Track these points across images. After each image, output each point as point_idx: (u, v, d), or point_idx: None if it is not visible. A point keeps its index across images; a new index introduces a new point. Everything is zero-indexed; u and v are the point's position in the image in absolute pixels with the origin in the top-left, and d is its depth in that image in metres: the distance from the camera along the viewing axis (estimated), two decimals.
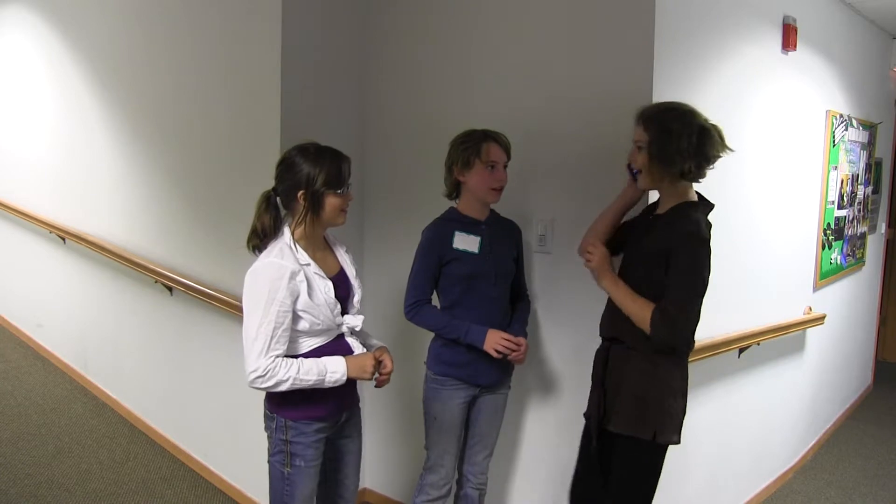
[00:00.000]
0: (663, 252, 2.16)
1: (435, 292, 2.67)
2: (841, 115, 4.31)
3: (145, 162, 4.13)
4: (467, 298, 2.59)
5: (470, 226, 2.61)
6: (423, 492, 2.69)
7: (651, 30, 2.54)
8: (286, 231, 2.24)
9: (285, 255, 2.17)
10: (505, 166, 2.58)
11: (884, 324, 6.30)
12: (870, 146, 4.91)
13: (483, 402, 2.68)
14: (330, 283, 2.24)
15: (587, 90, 2.73)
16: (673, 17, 2.64)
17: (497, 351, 2.52)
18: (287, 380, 2.11)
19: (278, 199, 2.26)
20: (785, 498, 3.84)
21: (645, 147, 2.20)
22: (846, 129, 4.40)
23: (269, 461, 2.29)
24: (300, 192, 2.19)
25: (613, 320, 2.34)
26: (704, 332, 3.05)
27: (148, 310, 4.23)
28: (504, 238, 2.68)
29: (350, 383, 2.29)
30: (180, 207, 3.88)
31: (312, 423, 2.24)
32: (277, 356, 2.12)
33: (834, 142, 4.23)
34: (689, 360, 2.81)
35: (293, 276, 2.14)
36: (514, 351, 2.55)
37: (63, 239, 4.93)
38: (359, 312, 2.37)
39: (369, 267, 3.45)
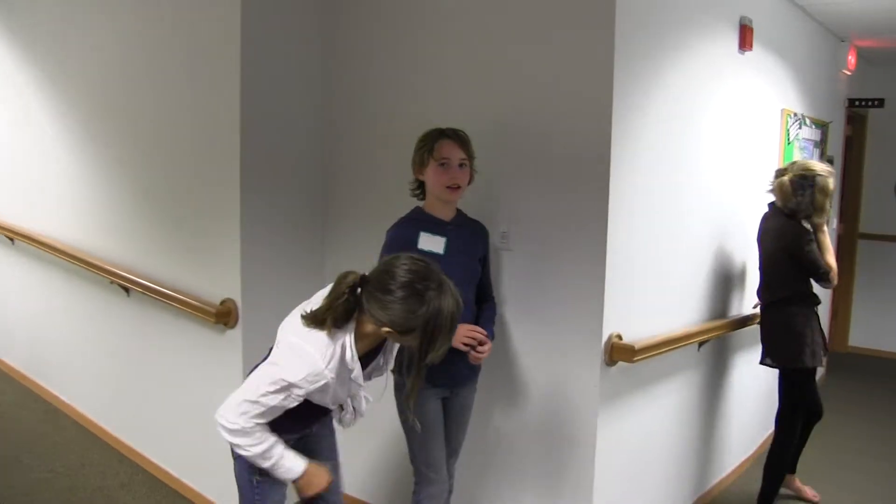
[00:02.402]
0: None
1: None
2: (795, 114, 4.40)
3: (98, 159, 4.03)
4: None
5: (435, 226, 2.55)
6: None
7: (612, 29, 2.55)
8: (351, 328, 2.01)
9: (333, 359, 1.96)
10: (463, 164, 2.52)
11: (835, 316, 6.45)
12: (822, 144, 5.02)
13: (451, 403, 2.65)
14: (361, 388, 2.11)
15: (549, 87, 2.74)
16: (633, 17, 2.66)
17: (465, 344, 2.46)
18: (247, 453, 2.01)
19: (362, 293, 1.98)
20: (743, 486, 3.91)
21: None
22: (800, 128, 4.49)
23: (235, 469, 2.19)
24: (389, 330, 1.95)
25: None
26: (665, 327, 3.10)
27: (103, 311, 4.13)
28: (470, 239, 2.64)
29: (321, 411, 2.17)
30: (136, 206, 3.80)
31: (281, 435, 2.13)
32: (259, 424, 2.00)
33: (789, 139, 4.32)
34: (651, 354, 2.87)
35: (325, 385, 1.98)
36: (480, 343, 2.49)
37: (11, 240, 4.79)
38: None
39: (331, 268, 3.42)
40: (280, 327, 2.10)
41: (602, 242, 2.65)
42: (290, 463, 2.06)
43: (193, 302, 3.27)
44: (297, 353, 1.97)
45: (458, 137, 2.53)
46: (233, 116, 3.06)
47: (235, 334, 3.13)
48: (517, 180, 2.86)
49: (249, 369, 2.18)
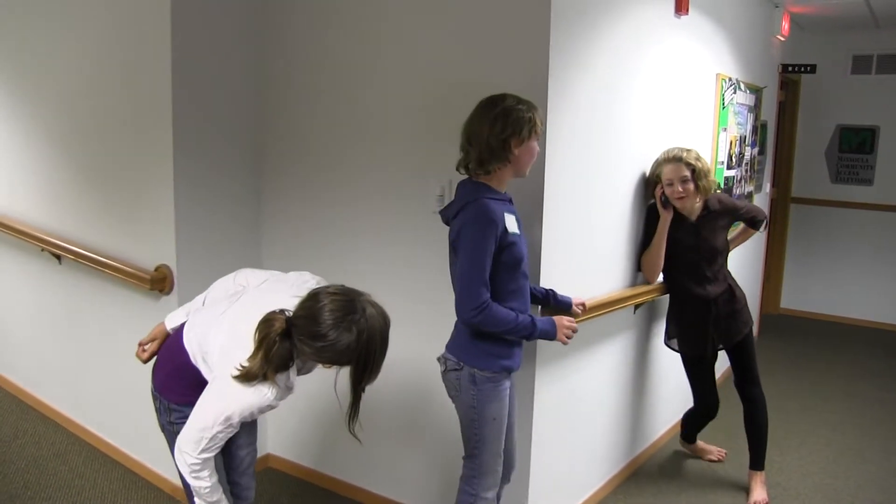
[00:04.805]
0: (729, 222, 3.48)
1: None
2: (730, 79, 4.47)
3: (29, 126, 3.89)
4: (510, 287, 2.33)
5: (508, 204, 2.35)
6: (480, 498, 2.41)
7: None
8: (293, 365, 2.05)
9: (280, 390, 1.99)
10: None
11: (768, 279, 6.64)
12: (756, 109, 5.12)
13: (511, 390, 2.51)
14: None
15: (486, 49, 2.73)
16: None
17: (568, 337, 2.42)
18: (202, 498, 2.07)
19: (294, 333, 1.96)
20: (676, 445, 4.03)
21: (690, 179, 3.23)
22: (735, 93, 4.57)
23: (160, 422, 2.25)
24: (329, 366, 2.02)
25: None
26: (602, 289, 3.15)
27: (35, 280, 4.02)
28: (520, 214, 2.47)
29: None
30: (68, 173, 3.68)
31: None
32: (207, 458, 2.02)
33: (724, 104, 4.39)
34: (589, 316, 2.91)
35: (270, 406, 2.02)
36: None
37: None
38: None
39: (267, 230, 3.38)
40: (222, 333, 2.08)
41: (539, 205, 2.68)
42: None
43: (127, 268, 3.21)
44: (233, 389, 1.95)
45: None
46: (165, 81, 2.99)
47: (171, 300, 3.09)
48: (455, 143, 2.84)
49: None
